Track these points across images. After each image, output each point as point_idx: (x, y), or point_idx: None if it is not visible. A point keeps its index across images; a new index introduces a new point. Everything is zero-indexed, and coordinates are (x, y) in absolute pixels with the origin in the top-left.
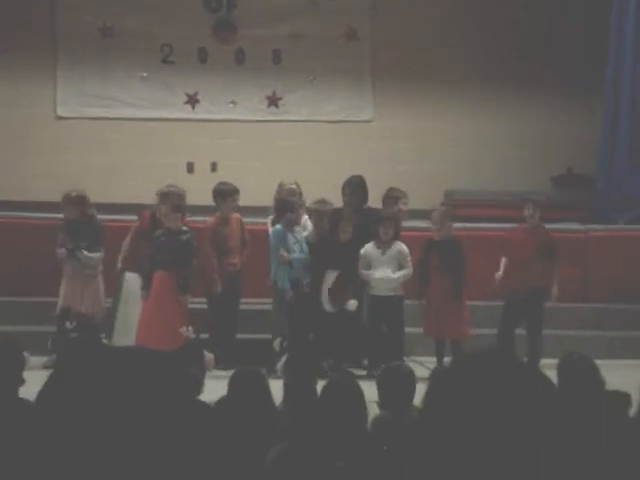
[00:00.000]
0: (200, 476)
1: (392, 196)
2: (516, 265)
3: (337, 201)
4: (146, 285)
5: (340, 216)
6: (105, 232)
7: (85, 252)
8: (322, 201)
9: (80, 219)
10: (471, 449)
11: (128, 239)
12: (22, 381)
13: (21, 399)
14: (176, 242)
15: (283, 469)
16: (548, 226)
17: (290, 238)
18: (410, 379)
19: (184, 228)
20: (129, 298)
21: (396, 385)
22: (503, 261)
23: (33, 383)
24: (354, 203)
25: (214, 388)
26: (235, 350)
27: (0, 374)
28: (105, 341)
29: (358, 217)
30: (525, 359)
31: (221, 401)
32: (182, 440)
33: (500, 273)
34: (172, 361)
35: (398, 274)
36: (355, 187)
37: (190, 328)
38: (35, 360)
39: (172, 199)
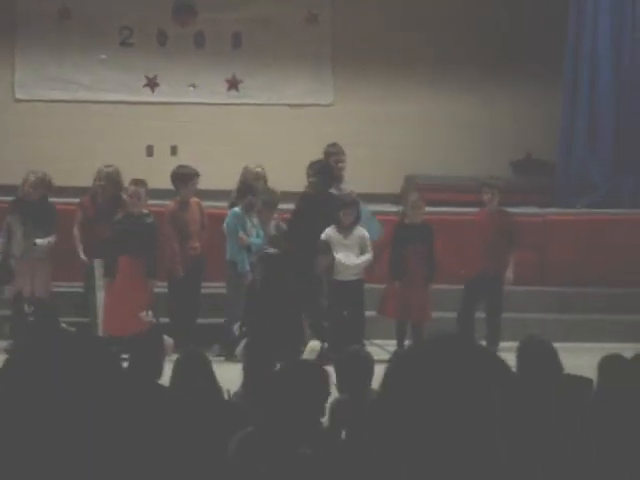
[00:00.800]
0: (157, 460)
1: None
2: (476, 249)
3: (298, 185)
4: (110, 272)
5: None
6: (57, 216)
7: (38, 240)
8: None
9: (38, 202)
10: (429, 433)
11: (76, 229)
12: None
13: None
14: (140, 226)
15: (247, 455)
16: (509, 210)
17: (247, 222)
18: (368, 362)
19: (145, 211)
20: (98, 283)
21: (354, 368)
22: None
23: None
24: (318, 186)
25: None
26: (195, 334)
27: None
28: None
29: (322, 201)
30: (484, 342)
31: (168, 386)
32: (141, 423)
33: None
34: (132, 346)
35: (362, 259)
36: (318, 170)
37: (150, 312)
38: None
39: (139, 182)
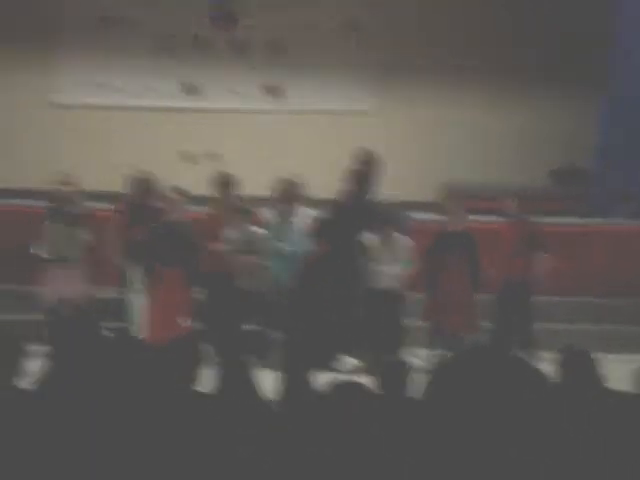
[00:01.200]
0: (193, 463)
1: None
2: (503, 258)
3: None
4: (152, 281)
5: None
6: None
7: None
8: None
9: (71, 206)
10: (469, 440)
11: (112, 234)
12: (20, 370)
13: (19, 388)
14: (178, 233)
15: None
16: (546, 220)
17: (282, 229)
18: (409, 371)
19: (182, 218)
20: (135, 288)
21: (396, 378)
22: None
23: (31, 372)
24: (354, 193)
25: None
26: (233, 341)
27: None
28: (121, 333)
29: (358, 207)
30: (519, 352)
31: (210, 393)
32: (178, 429)
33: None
34: (170, 352)
35: (399, 268)
36: (355, 178)
37: (189, 319)
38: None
39: (177, 189)
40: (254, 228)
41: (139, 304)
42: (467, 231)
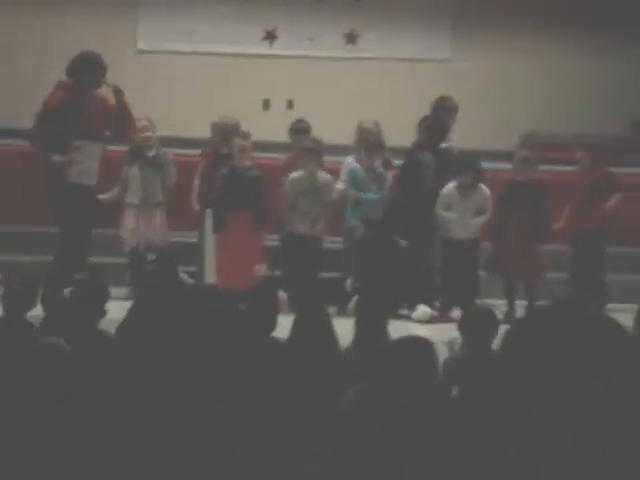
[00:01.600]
0: (269, 411)
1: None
2: (572, 209)
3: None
4: (219, 227)
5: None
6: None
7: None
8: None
9: (151, 150)
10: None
11: (196, 179)
12: (104, 313)
13: (101, 331)
14: (246, 180)
15: (362, 410)
16: (629, 170)
17: (365, 176)
18: (493, 320)
19: (250, 164)
20: (211, 235)
21: (478, 326)
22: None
23: (114, 314)
24: (428, 141)
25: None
26: (312, 288)
27: (84, 305)
28: (191, 278)
29: (433, 155)
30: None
31: (287, 340)
32: (255, 376)
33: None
34: (247, 299)
35: (476, 220)
36: (429, 126)
37: (264, 266)
38: (115, 291)
39: (245, 135)
40: (322, 173)
41: (212, 249)
42: (537, 181)
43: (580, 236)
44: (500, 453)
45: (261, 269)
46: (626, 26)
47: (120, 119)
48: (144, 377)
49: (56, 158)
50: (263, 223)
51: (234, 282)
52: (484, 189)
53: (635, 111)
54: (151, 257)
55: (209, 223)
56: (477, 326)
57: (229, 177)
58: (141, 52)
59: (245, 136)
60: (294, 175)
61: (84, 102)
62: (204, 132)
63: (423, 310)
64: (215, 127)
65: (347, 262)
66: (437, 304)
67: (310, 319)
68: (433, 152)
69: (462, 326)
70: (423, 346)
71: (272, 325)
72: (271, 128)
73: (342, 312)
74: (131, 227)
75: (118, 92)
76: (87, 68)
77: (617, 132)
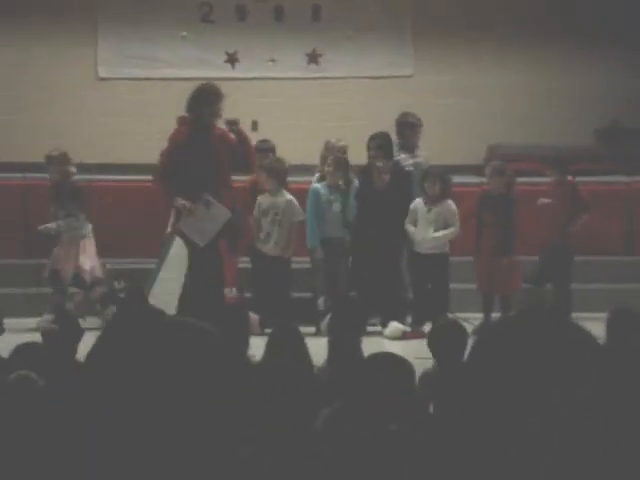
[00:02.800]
0: (244, 435)
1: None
2: (545, 220)
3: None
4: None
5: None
6: (85, 194)
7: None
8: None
9: (62, 181)
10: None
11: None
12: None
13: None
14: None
15: (335, 431)
16: (593, 179)
17: (327, 195)
18: (462, 333)
19: None
20: (173, 263)
21: (447, 341)
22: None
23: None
24: (379, 158)
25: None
26: (283, 309)
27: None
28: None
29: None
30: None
31: (260, 361)
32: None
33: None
34: (218, 321)
35: (440, 233)
36: (379, 144)
37: (234, 289)
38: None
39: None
40: (284, 193)
41: (168, 276)
42: (507, 193)
43: (548, 248)
44: (480, 467)
45: (231, 291)
46: (588, 38)
47: (241, 150)
48: (116, 405)
49: (180, 202)
50: (236, 246)
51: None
52: (451, 203)
53: (597, 121)
54: (119, 285)
55: (175, 250)
56: (445, 340)
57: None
58: (102, 79)
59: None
60: (261, 196)
61: (208, 136)
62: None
63: (395, 326)
64: None
65: (317, 281)
66: (409, 320)
67: (284, 340)
68: (390, 169)
69: (430, 341)
70: (398, 363)
71: (244, 346)
72: None
73: (317, 331)
74: (60, 256)
75: (233, 123)
76: (206, 101)
77: (581, 142)
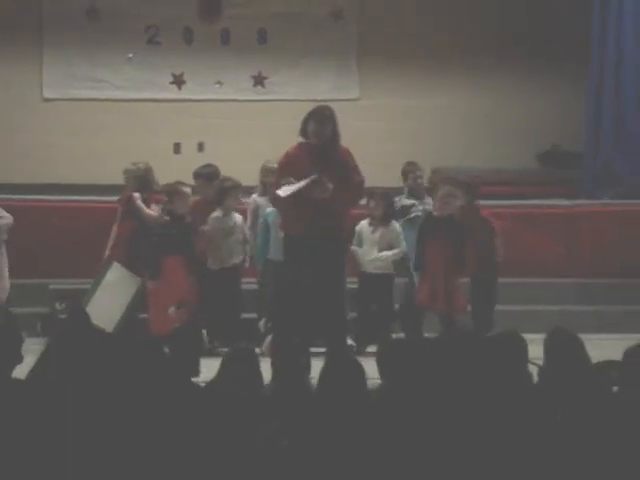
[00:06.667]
0: (191, 457)
1: (404, 170)
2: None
3: None
4: (155, 274)
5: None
6: None
7: None
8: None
9: None
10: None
11: (115, 226)
12: (20, 359)
13: (14, 379)
14: (182, 225)
15: (276, 446)
16: (535, 202)
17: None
18: (411, 351)
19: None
20: (108, 288)
21: (396, 358)
22: None
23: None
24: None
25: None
26: (231, 330)
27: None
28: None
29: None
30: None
31: (212, 381)
32: (174, 421)
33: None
34: (166, 343)
35: (384, 254)
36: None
37: (180, 309)
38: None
39: (182, 183)
40: (235, 215)
41: (102, 300)
42: (453, 217)
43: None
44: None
45: (176, 312)
46: (531, 63)
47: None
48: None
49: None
50: (193, 267)
51: (157, 327)
52: (395, 224)
53: (540, 145)
54: (60, 306)
55: (113, 274)
56: (393, 359)
57: (169, 223)
58: (47, 100)
59: (183, 184)
60: (213, 214)
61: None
62: (116, 178)
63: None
64: (127, 173)
65: (261, 302)
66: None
67: (239, 359)
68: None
69: (378, 360)
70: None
71: (195, 369)
72: (182, 171)
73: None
74: None
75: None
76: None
77: (523, 166)
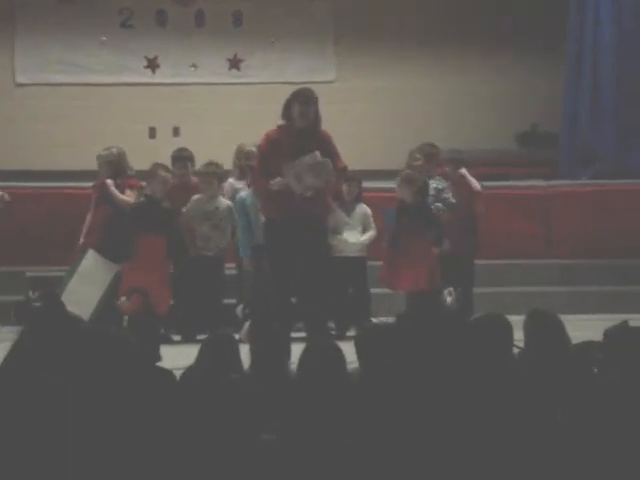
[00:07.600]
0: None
1: (429, 152)
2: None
3: None
4: (129, 253)
5: None
6: None
7: None
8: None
9: None
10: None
11: (90, 213)
12: None
13: None
14: (161, 209)
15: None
16: (513, 183)
17: (254, 202)
18: (390, 335)
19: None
20: (84, 276)
21: (375, 343)
22: None
23: None
24: None
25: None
26: (202, 317)
27: None
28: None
29: None
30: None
31: (191, 368)
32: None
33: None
34: (126, 331)
35: (365, 236)
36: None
37: (125, 298)
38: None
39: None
40: (221, 198)
41: (77, 288)
42: (421, 201)
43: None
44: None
45: (125, 301)
46: (511, 44)
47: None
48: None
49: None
50: (175, 251)
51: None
52: (364, 206)
53: (519, 126)
54: (34, 294)
55: (87, 262)
56: (371, 343)
57: (145, 204)
58: (20, 85)
59: (162, 166)
60: (194, 198)
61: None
62: (91, 164)
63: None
64: (100, 158)
65: (243, 289)
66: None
67: (218, 345)
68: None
69: (356, 344)
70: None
71: (155, 355)
72: (158, 156)
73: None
74: None
75: None
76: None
77: (501, 146)
